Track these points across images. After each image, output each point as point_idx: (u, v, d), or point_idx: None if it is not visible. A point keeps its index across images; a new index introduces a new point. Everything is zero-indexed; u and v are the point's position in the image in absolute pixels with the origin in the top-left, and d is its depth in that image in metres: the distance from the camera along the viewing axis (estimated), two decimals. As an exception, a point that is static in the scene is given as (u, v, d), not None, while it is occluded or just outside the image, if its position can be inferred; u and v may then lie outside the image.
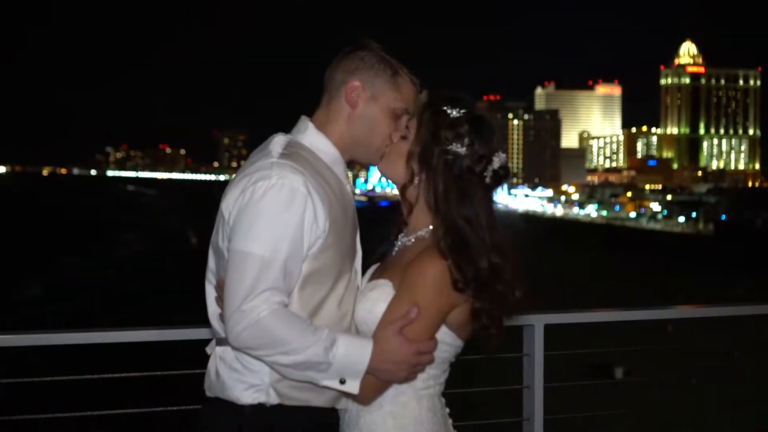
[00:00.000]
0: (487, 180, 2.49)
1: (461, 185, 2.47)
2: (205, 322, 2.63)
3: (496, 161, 2.50)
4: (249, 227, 2.32)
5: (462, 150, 2.48)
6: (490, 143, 2.51)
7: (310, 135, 2.52)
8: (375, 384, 2.39)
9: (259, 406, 2.40)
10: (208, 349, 2.60)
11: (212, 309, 2.50)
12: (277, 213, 2.32)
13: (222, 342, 2.46)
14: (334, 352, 2.29)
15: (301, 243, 2.35)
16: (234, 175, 2.56)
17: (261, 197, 2.33)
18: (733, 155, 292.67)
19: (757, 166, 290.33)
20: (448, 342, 2.48)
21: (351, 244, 2.53)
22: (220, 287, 2.44)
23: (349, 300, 2.49)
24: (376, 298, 2.47)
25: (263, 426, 2.40)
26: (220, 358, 2.47)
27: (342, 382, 2.34)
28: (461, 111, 2.52)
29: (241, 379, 2.41)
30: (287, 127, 2.61)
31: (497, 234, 2.48)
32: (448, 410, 2.61)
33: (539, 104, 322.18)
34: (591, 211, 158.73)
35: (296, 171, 2.37)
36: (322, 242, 2.40)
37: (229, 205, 2.40)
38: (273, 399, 2.40)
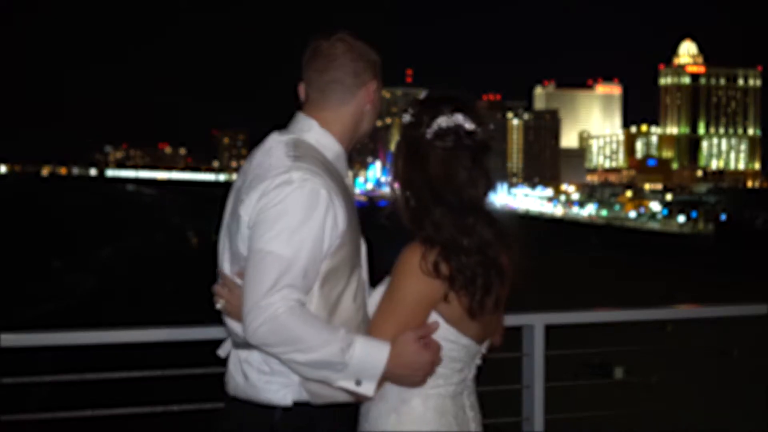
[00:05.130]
0: (428, 136, 2.50)
1: (413, 153, 2.51)
2: (204, 321, 2.64)
3: (443, 120, 2.52)
4: (270, 228, 2.34)
5: (408, 118, 2.55)
6: (437, 107, 2.54)
7: (316, 133, 2.55)
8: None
9: (291, 406, 2.44)
10: (220, 352, 2.63)
11: (225, 306, 2.52)
12: (299, 216, 2.35)
13: (245, 345, 2.48)
14: (351, 352, 2.31)
15: (321, 245, 2.38)
16: (236, 177, 2.60)
17: (282, 200, 2.36)
18: (733, 155, 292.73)
19: (757, 166, 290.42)
20: (451, 339, 2.48)
21: (359, 237, 2.58)
22: (226, 284, 2.48)
23: (361, 292, 2.52)
24: (378, 292, 2.53)
25: (296, 425, 2.43)
26: (245, 361, 2.49)
27: (358, 383, 2.35)
28: (415, 107, 2.58)
29: (271, 381, 2.45)
30: (285, 124, 2.64)
31: (452, 193, 2.47)
32: (472, 414, 2.59)
33: (539, 104, 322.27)
34: (591, 210, 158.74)
35: (315, 174, 2.40)
36: (341, 240, 2.44)
37: (248, 209, 2.42)
38: (303, 398, 2.43)
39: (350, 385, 2.35)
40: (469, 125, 2.52)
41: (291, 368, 2.37)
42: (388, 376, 2.38)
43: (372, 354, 2.33)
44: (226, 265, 2.52)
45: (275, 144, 2.51)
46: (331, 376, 2.33)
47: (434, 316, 2.45)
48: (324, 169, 2.45)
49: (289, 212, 2.34)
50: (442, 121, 2.51)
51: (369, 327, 2.45)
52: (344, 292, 2.46)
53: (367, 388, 2.36)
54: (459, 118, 2.51)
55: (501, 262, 2.49)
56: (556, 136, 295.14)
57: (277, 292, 2.29)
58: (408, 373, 2.38)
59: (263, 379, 2.45)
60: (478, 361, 2.60)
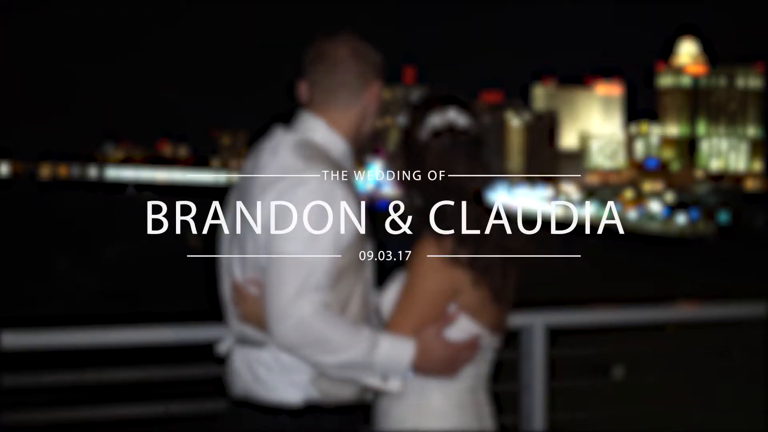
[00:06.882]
0: (424, 137, 2.57)
1: (411, 154, 2.60)
2: (205, 321, 2.64)
3: (435, 119, 2.58)
4: (289, 231, 2.38)
5: (404, 121, 2.62)
6: (429, 107, 2.60)
7: (323, 133, 2.58)
8: None
9: (301, 405, 2.46)
10: (221, 349, 2.63)
11: (239, 311, 2.52)
12: (317, 217, 2.39)
13: (252, 344, 2.49)
14: (377, 351, 2.37)
15: (339, 245, 2.43)
16: (240, 176, 2.61)
17: (299, 202, 2.39)
18: (733, 155, 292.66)
19: (757, 166, 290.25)
20: (465, 329, 2.51)
21: (365, 237, 2.60)
22: (238, 290, 2.48)
23: (367, 291, 2.55)
24: (393, 289, 2.58)
25: (306, 424, 2.45)
26: (255, 360, 2.50)
27: (384, 380, 2.41)
28: (409, 109, 2.64)
29: (281, 380, 2.47)
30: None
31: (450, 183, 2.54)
32: (488, 410, 2.62)
33: (539, 103, 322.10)
34: (590, 210, 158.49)
35: (329, 175, 2.45)
36: (352, 240, 2.48)
37: (262, 211, 2.44)
38: (313, 397, 2.46)
39: (377, 383, 2.40)
40: (462, 121, 2.57)
41: (319, 369, 2.39)
42: (414, 370, 2.43)
43: (397, 352, 2.39)
44: (236, 271, 2.52)
45: (282, 144, 2.52)
46: (359, 375, 2.39)
47: (451, 307, 2.49)
48: (333, 168, 2.48)
49: (307, 214, 2.38)
50: (435, 120, 2.56)
51: (389, 321, 2.48)
52: (353, 291, 2.48)
53: (394, 385, 2.42)
54: (451, 115, 2.57)
55: (509, 249, 2.53)
56: (555, 136, 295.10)
57: (302, 295, 2.33)
58: (434, 366, 2.44)
59: (272, 378, 2.47)
60: (489, 356, 2.62)
